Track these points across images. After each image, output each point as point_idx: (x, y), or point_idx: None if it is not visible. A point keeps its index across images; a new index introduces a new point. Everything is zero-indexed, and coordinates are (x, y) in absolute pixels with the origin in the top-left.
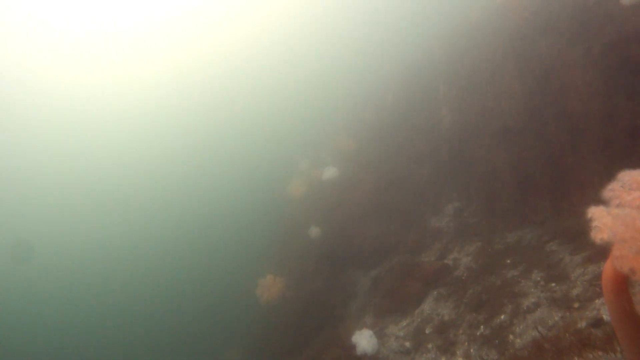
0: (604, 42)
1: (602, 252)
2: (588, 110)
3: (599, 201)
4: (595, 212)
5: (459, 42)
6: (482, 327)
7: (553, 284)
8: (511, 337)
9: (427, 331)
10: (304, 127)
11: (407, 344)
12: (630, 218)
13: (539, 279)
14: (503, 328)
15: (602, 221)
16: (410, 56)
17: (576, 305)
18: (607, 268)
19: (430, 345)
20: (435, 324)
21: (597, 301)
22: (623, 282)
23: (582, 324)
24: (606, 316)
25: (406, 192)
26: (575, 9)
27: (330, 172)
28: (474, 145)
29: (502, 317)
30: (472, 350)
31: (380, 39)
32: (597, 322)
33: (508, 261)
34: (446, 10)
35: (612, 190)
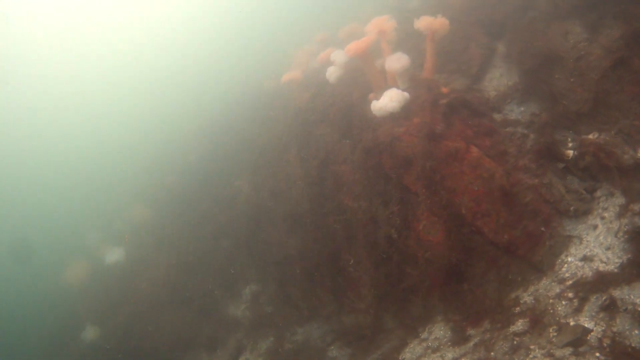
0: (364, 147)
1: None
2: (358, 208)
3: None
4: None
5: (255, 111)
6: None
7: None
8: None
9: None
10: (96, 194)
11: None
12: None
13: None
14: None
15: None
16: (211, 117)
17: None
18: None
19: None
20: None
21: None
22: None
23: None
24: None
25: (205, 273)
26: (343, 104)
27: (115, 255)
28: (268, 227)
29: None
30: None
31: (182, 94)
32: None
33: None
34: (241, 72)
35: None
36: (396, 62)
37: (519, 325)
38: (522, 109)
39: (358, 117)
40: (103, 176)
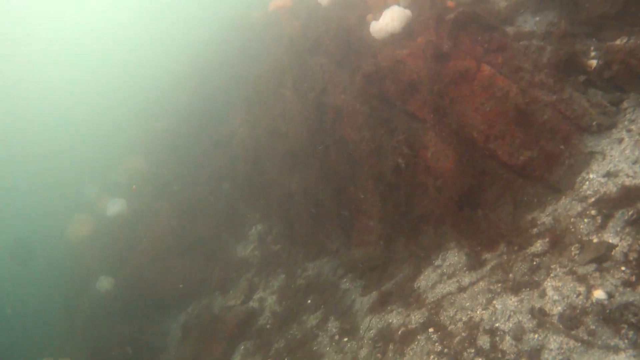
0: (364, 73)
1: (384, 297)
2: (361, 139)
3: None
4: None
5: (245, 44)
6: None
7: (345, 340)
8: None
9: None
10: (88, 146)
11: None
12: None
13: (334, 331)
14: None
15: None
16: (199, 54)
17: None
18: None
19: None
20: None
21: None
22: None
23: None
24: None
25: (208, 217)
26: (339, 29)
27: (116, 207)
28: (269, 166)
29: None
30: None
31: (164, 32)
32: None
33: (309, 301)
34: (226, 4)
35: None
36: None
37: (538, 246)
38: (537, 18)
39: (356, 42)
40: (91, 127)
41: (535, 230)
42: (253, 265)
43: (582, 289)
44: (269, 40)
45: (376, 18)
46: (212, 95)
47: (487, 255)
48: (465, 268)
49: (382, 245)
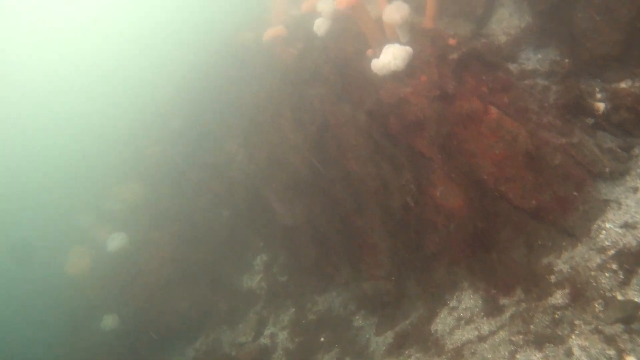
0: (367, 109)
1: (401, 340)
2: (366, 174)
3: None
4: None
5: (238, 71)
6: None
7: None
8: None
9: None
10: (81, 169)
11: None
12: None
13: None
14: None
15: None
16: (188, 77)
17: None
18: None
19: None
20: None
21: None
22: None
23: None
24: None
25: (210, 246)
26: (337, 58)
27: (117, 241)
28: (269, 195)
29: None
30: None
31: (151, 52)
32: None
33: (322, 339)
34: (215, 25)
35: None
36: (395, 12)
37: (558, 297)
38: (540, 56)
39: (356, 75)
40: (81, 156)
41: (553, 278)
42: (261, 298)
43: (612, 352)
44: (262, 67)
45: (376, 53)
46: (205, 120)
47: (504, 301)
48: (482, 313)
49: (393, 280)
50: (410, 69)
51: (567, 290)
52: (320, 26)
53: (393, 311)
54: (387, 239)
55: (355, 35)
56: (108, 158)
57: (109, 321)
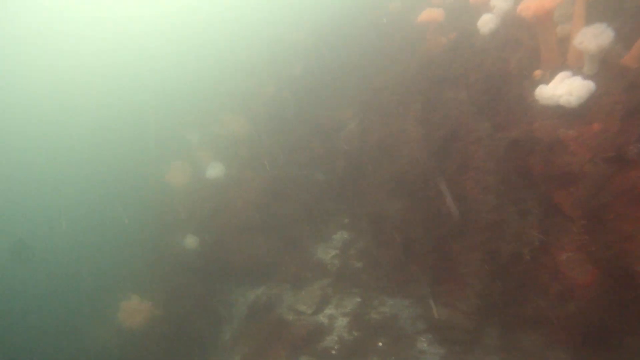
0: (511, 137)
1: None
2: (483, 202)
3: None
4: None
5: (373, 43)
6: None
7: None
8: None
9: None
10: (198, 92)
11: None
12: None
13: None
14: None
15: None
16: (318, 31)
17: None
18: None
19: None
20: None
21: None
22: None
23: None
24: None
25: (296, 204)
26: (493, 67)
27: (216, 170)
28: (369, 177)
29: None
30: None
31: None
32: None
33: (380, 344)
34: None
35: None
36: (594, 39)
37: None
38: None
39: (510, 94)
40: (199, 80)
41: None
42: (330, 274)
43: None
44: (402, 44)
45: (546, 77)
46: (325, 79)
47: None
48: None
49: (474, 321)
50: (583, 109)
51: None
52: (486, 23)
53: (464, 353)
54: (482, 277)
55: (524, 47)
56: (223, 86)
57: (191, 241)
